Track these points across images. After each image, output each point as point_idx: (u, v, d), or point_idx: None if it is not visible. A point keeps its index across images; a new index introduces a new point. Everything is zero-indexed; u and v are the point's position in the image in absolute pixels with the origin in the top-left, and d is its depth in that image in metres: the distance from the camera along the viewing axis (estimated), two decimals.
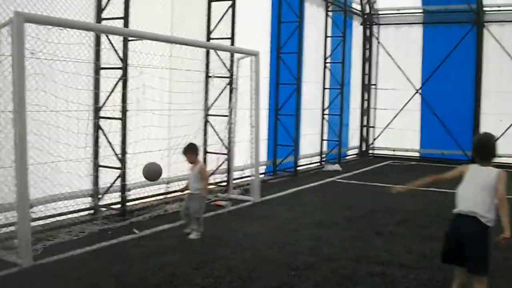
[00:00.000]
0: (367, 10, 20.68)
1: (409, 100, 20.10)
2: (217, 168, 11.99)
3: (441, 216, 10.18)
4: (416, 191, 12.58)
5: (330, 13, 17.43)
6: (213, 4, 11.91)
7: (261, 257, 7.29)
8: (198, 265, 6.84)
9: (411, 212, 10.59)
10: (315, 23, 16.74)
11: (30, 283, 6.16)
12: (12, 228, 7.40)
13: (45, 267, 6.70)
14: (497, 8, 19.01)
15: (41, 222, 8.22)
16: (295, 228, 9.03)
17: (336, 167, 16.70)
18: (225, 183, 12.00)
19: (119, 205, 9.44)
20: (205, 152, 11.72)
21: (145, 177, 8.16)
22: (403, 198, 11.95)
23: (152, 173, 8.09)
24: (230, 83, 11.87)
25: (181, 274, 6.49)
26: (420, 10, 20.20)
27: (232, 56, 11.87)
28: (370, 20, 20.83)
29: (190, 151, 8.40)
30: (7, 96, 7.00)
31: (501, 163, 18.12)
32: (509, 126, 18.51)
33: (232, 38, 12.04)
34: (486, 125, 18.96)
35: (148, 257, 7.16)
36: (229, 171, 11.92)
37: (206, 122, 11.74)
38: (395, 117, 20.34)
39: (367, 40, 20.88)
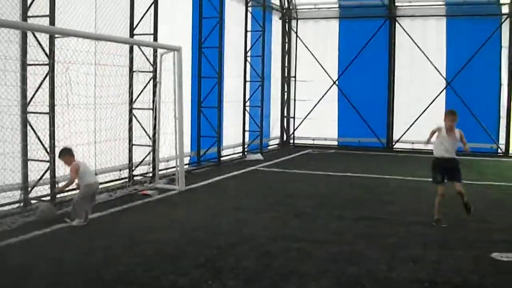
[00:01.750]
0: (286, 5, 21.48)
1: (327, 91, 21.07)
2: (142, 160, 12.45)
3: (351, 199, 11.10)
4: (332, 177, 13.59)
5: (250, 8, 18.06)
6: (136, 1, 12.31)
7: (188, 239, 7.90)
8: (129, 247, 7.39)
9: (327, 196, 11.43)
10: (236, 18, 17.35)
11: None
12: None
13: None
14: (408, 4, 20.25)
15: None
16: (218, 212, 9.67)
17: (258, 156, 17.42)
18: (151, 174, 12.49)
19: (48, 197, 9.78)
20: (131, 144, 12.14)
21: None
22: (320, 184, 12.87)
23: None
24: (154, 77, 12.35)
25: (113, 256, 7.02)
26: (337, 5, 21.25)
27: (155, 51, 12.34)
28: (289, 14, 21.66)
29: (63, 154, 8.94)
30: None
31: (412, 149, 19.51)
32: (420, 114, 19.72)
33: (155, 34, 12.51)
34: (399, 114, 20.20)
35: (81, 243, 7.62)
36: (154, 162, 12.41)
37: (131, 115, 12.17)
38: (314, 107, 21.27)
39: (286, 34, 21.71)
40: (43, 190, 9.87)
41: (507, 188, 12.85)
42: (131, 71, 12.14)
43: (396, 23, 20.17)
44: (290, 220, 9.23)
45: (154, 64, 12.38)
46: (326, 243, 7.79)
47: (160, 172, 12.64)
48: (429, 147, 19.11)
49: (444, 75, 19.67)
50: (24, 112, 9.42)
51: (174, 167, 12.58)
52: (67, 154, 8.94)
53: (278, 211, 9.89)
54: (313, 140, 21.49)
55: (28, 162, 9.57)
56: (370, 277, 6.35)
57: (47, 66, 9.54)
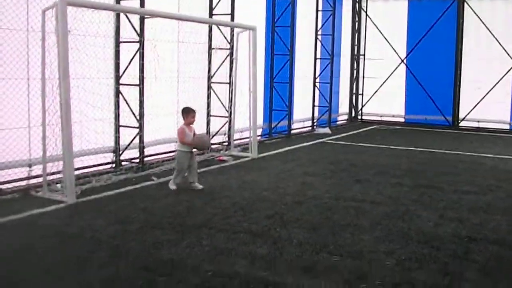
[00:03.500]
0: None
1: (395, 69, 21.68)
2: (220, 129, 13.63)
3: (411, 169, 11.92)
4: (395, 150, 14.37)
5: None
6: None
7: (258, 197, 9.01)
8: (208, 201, 8.58)
9: (387, 166, 12.26)
10: None
11: (76, 214, 7.81)
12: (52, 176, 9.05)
13: (85, 203, 8.38)
14: None
15: (76, 172, 9.83)
16: (286, 177, 10.73)
17: (326, 130, 18.36)
18: (227, 142, 13.68)
19: (138, 160, 11.08)
20: (209, 115, 13.33)
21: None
22: (384, 156, 13.72)
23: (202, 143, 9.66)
24: (231, 54, 13.47)
25: (196, 207, 8.23)
26: None
27: (232, 30, 13.44)
28: None
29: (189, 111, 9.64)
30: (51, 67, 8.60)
31: (482, 127, 19.95)
32: (486, 94, 20.14)
33: (232, 14, 13.62)
34: (465, 92, 20.66)
35: (167, 197, 8.88)
36: (230, 131, 13.58)
37: (210, 89, 13.34)
38: (382, 85, 21.93)
39: (356, 13, 22.37)
40: (133, 153, 11.15)
41: None
42: (210, 48, 13.28)
43: (465, 4, 20.50)
44: (352, 185, 10.19)
45: (231, 42, 13.48)
46: (381, 204, 8.73)
47: (235, 142, 13.80)
48: (496, 125, 19.71)
49: None
50: (118, 83, 10.71)
51: (248, 137, 13.71)
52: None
53: (341, 177, 10.87)
54: (381, 116, 22.19)
55: (120, 128, 10.88)
56: (417, 231, 7.28)
57: (138, 44, 10.78)
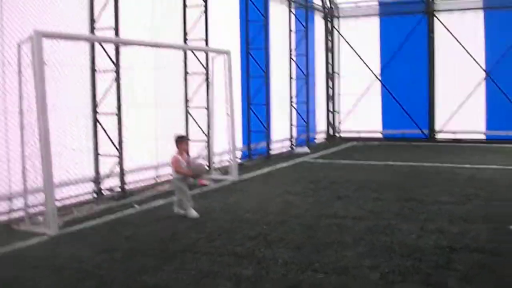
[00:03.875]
0: (328, 4, 22.45)
1: (370, 86, 21.96)
2: (199, 154, 13.68)
3: (390, 183, 12.07)
4: (374, 166, 14.54)
5: (293, 9, 19.12)
6: (188, 10, 13.52)
7: (241, 218, 9.06)
8: (192, 226, 8.62)
9: (367, 181, 12.40)
10: (280, 20, 18.45)
11: (60, 245, 7.78)
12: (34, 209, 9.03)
13: (68, 234, 8.34)
14: None
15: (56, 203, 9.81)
16: (268, 197, 10.81)
17: (305, 149, 18.51)
18: (207, 166, 13.72)
19: (119, 188, 11.08)
20: (188, 139, 13.37)
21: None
22: (363, 172, 13.86)
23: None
24: (207, 79, 13.58)
25: (179, 232, 8.26)
26: (376, 2, 22.07)
27: (207, 55, 13.57)
28: (331, 13, 22.62)
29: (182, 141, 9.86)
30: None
31: (458, 139, 20.23)
32: (461, 105, 20.45)
33: (206, 39, 13.74)
34: (440, 105, 20.97)
35: (151, 223, 8.90)
36: (209, 155, 13.64)
37: (187, 113, 13.41)
38: (358, 101, 22.18)
39: (329, 32, 22.68)
40: (114, 181, 11.15)
41: None
42: (185, 73, 13.37)
43: (434, 18, 20.90)
44: (333, 202, 10.28)
45: (206, 67, 13.59)
46: (363, 219, 8.83)
47: (215, 165, 13.86)
48: (471, 136, 20.02)
49: (483, 66, 20.30)
50: (95, 112, 10.74)
51: (227, 160, 13.77)
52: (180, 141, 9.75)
53: (322, 195, 10.97)
54: (358, 133, 22.40)
55: (99, 157, 10.88)
56: (400, 244, 7.37)
57: (114, 72, 10.84)
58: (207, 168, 10.79)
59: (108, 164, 10.97)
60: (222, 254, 7.11)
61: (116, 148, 10.93)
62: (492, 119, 20.33)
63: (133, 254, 7.21)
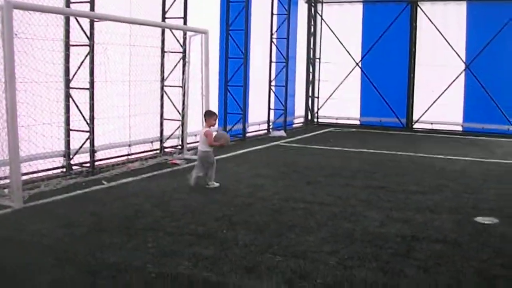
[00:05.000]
0: None
1: (350, 73, 21.96)
2: (172, 133, 13.60)
3: (362, 171, 12.09)
4: (349, 152, 14.58)
5: None
6: None
7: (209, 199, 9.05)
8: (158, 204, 8.59)
9: (339, 168, 12.43)
10: (262, 2, 18.33)
11: (23, 219, 7.72)
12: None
13: (33, 208, 8.29)
14: None
15: (24, 177, 9.71)
16: (239, 179, 10.80)
17: (282, 133, 18.50)
18: (180, 146, 13.67)
19: (88, 164, 11.00)
20: (162, 118, 13.30)
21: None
22: (337, 158, 13.89)
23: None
24: (183, 58, 13.48)
25: (145, 210, 8.23)
26: None
27: (184, 33, 13.46)
28: None
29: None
30: None
31: (435, 129, 20.32)
32: (439, 96, 20.54)
33: (184, 18, 13.62)
34: (419, 95, 21.03)
35: (116, 200, 8.86)
36: (183, 134, 13.57)
37: (163, 92, 13.31)
38: (337, 88, 22.17)
39: (312, 17, 22.59)
40: (84, 157, 11.06)
41: (510, 165, 13.66)
42: (162, 51, 13.26)
43: (418, 7, 20.90)
44: (302, 186, 10.30)
45: (184, 45, 13.49)
46: (330, 205, 8.86)
47: (189, 145, 13.81)
48: (448, 127, 20.15)
49: (464, 58, 20.35)
50: (68, 87, 10.61)
51: None
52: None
53: (292, 179, 10.97)
54: (336, 119, 22.40)
55: (70, 132, 10.78)
56: (362, 231, 7.42)
57: (88, 47, 10.72)
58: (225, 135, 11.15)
59: (79, 140, 10.88)
60: (184, 233, 7.11)
61: (87, 123, 10.83)
62: (469, 112, 20.41)
63: (96, 231, 7.18)
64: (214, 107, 15.09)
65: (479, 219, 8.30)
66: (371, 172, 11.98)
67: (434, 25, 20.51)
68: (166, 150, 13.38)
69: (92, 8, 10.74)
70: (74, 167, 10.90)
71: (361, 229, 7.53)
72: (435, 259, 6.40)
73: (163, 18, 13.32)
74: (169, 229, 7.27)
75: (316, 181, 10.80)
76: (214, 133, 10.33)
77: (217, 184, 10.01)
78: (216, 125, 15.41)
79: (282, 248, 6.60)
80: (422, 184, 10.79)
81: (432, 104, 20.77)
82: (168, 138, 13.55)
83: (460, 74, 20.36)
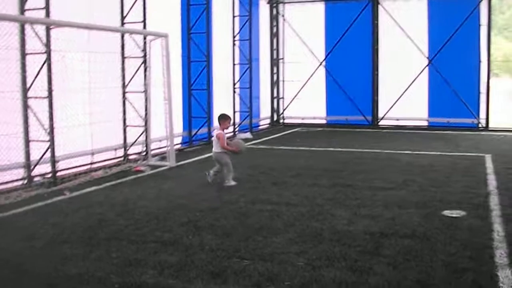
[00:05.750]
0: None
1: (314, 72, 21.95)
2: (136, 140, 13.36)
3: (329, 169, 12.04)
4: (315, 152, 14.50)
5: None
6: None
7: (174, 205, 8.87)
8: (121, 213, 8.37)
9: (306, 167, 12.35)
10: (224, 4, 18.19)
11: None
12: None
13: None
14: None
15: None
16: (204, 183, 10.62)
17: (248, 135, 18.40)
18: (144, 152, 13.44)
19: (50, 174, 10.73)
20: (125, 125, 13.07)
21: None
22: (303, 158, 13.81)
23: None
24: (144, 63, 13.26)
25: (108, 219, 8.01)
26: None
27: (145, 38, 13.25)
28: None
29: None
30: None
31: (401, 125, 20.43)
32: (404, 92, 20.64)
33: (144, 22, 13.39)
34: (384, 92, 21.11)
35: (79, 210, 8.61)
36: (147, 140, 13.35)
37: (124, 98, 13.08)
38: (302, 88, 22.16)
39: (274, 17, 22.54)
40: (46, 167, 10.78)
41: (476, 158, 13.75)
42: (123, 57, 13.03)
43: (379, 5, 20.99)
44: (269, 188, 10.19)
45: (144, 50, 13.28)
46: (297, 205, 8.76)
47: (154, 151, 13.60)
48: (414, 122, 20.29)
49: (426, 53, 20.53)
50: (25, 96, 10.34)
51: (166, 146, 13.50)
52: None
53: (259, 181, 10.85)
54: (302, 119, 22.40)
55: (30, 142, 10.50)
56: (330, 230, 7.32)
57: (45, 55, 10.45)
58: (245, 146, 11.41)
59: (39, 150, 10.60)
60: (149, 241, 6.92)
61: (48, 133, 10.56)
62: (434, 107, 20.62)
63: (57, 242, 6.95)
64: (178, 111, 14.97)
65: (447, 212, 8.30)
66: (337, 171, 11.93)
67: (396, 21, 20.63)
68: (130, 157, 13.15)
69: (47, 15, 10.49)
70: (35, 179, 10.62)
71: (328, 228, 7.44)
72: (404, 255, 6.34)
73: (122, 23, 13.10)
74: (133, 238, 7.09)
75: (283, 182, 10.69)
76: (235, 140, 11.35)
77: (233, 183, 10.36)
78: (180, 129, 15.36)
79: (249, 251, 6.46)
80: (389, 180, 10.77)
81: (397, 101, 20.89)
82: (131, 145, 13.31)
83: (423, 70, 20.50)
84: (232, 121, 11.37)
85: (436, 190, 9.90)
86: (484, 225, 7.65)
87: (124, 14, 13.11)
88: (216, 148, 10.57)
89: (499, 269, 5.93)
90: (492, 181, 10.74)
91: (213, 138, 10.86)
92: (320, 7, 22.00)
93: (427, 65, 20.53)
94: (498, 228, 7.49)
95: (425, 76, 20.67)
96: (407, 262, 6.11)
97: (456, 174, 11.53)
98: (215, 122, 17.18)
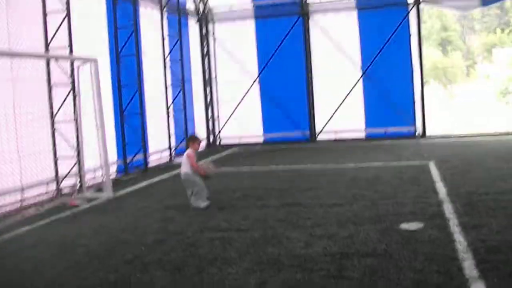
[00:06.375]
0: (201, 8, 21.87)
1: (249, 90, 21.58)
2: (68, 172, 12.57)
3: (275, 189, 11.60)
4: (257, 172, 14.06)
5: (165, 14, 18.33)
6: (49, 15, 12.42)
7: (116, 240, 8.21)
8: (59, 254, 7.63)
9: (251, 188, 11.88)
10: (152, 25, 17.60)
11: None
12: None
13: None
14: (319, 0, 20.97)
15: None
16: (146, 214, 9.99)
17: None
18: (78, 185, 12.66)
19: None
20: (56, 157, 12.25)
21: None
22: (246, 179, 13.33)
23: None
24: (73, 90, 12.53)
25: (45, 263, 7.26)
26: (251, 5, 21.70)
27: (72, 63, 12.52)
28: (205, 18, 22.05)
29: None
30: None
31: (339, 139, 20.29)
32: (340, 105, 20.53)
33: (70, 47, 12.67)
34: (320, 106, 20.92)
35: (12, 255, 7.81)
36: (80, 172, 12.58)
37: (53, 128, 12.29)
38: (237, 106, 21.73)
39: (204, 37, 22.10)
40: None
41: (419, 166, 13.63)
42: (49, 84, 12.26)
43: (309, 19, 20.88)
44: (215, 213, 9.64)
45: (72, 76, 12.55)
46: (248, 230, 8.25)
47: (88, 182, 12.83)
48: (352, 134, 20.21)
49: (360, 65, 20.51)
50: None
51: (101, 176, 12.76)
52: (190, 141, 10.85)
53: None
54: (240, 138, 21.92)
55: None
56: (288, 255, 6.85)
57: None
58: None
59: None
60: (92, 285, 6.27)
61: None
62: (370, 117, 20.57)
63: None
64: (111, 139, 14.25)
65: (404, 225, 7.99)
66: (284, 189, 11.51)
67: (327, 35, 20.56)
68: (63, 191, 12.33)
69: None
70: None
71: (286, 252, 6.97)
72: (370, 276, 5.96)
73: (46, 48, 12.33)
74: (75, 282, 6.41)
75: (230, 206, 10.18)
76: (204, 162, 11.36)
77: (205, 204, 10.08)
78: (115, 157, 14.62)
79: (205, 286, 5.92)
80: (338, 196, 10.44)
81: (333, 114, 20.75)
82: (64, 178, 12.49)
83: (358, 81, 20.45)
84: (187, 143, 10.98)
85: (387, 202, 9.61)
86: (444, 236, 7.37)
87: (48, 39, 12.34)
88: (185, 169, 10.30)
89: (471, 283, 5.61)
90: (441, 188, 10.57)
91: (181, 159, 10.66)
92: (250, 24, 21.71)
93: (361, 76, 20.49)
94: (459, 238, 7.21)
95: (360, 87, 20.62)
96: (375, 284, 5.72)
97: (404, 184, 11.32)
98: (151, 148, 16.73)
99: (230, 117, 21.98)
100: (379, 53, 20.02)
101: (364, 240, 7.33)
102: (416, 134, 20.28)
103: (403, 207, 9.19)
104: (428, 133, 20.23)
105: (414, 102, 20.23)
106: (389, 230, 7.80)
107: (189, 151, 10.50)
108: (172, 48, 18.54)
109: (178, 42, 18.67)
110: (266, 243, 7.45)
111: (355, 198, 10.16)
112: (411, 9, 20.02)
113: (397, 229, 7.81)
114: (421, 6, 20.24)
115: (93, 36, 14.32)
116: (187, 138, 10.65)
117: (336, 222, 8.42)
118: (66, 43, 12.63)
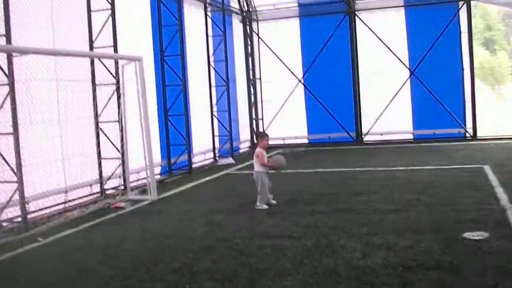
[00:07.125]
0: (246, 7, 21.53)
1: (293, 90, 21.14)
2: (113, 173, 12.34)
3: (323, 193, 11.14)
4: (303, 174, 13.62)
5: (209, 13, 18.04)
6: (93, 13, 12.19)
7: (162, 246, 7.87)
8: (103, 260, 7.32)
9: (298, 192, 11.44)
10: (196, 24, 17.32)
11: None
12: None
13: None
14: None
15: None
16: (191, 217, 9.65)
17: (229, 160, 17.44)
18: (122, 186, 12.41)
19: (20, 218, 9.64)
20: (100, 158, 12.02)
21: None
22: (292, 182, 12.89)
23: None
24: (117, 90, 12.28)
25: (88, 269, 6.96)
26: (295, 4, 21.29)
27: (116, 63, 12.27)
28: (249, 17, 21.70)
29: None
30: None
31: (386, 140, 19.70)
32: (387, 105, 19.94)
33: (115, 45, 12.42)
34: (367, 106, 20.38)
35: (55, 259, 7.55)
36: (124, 174, 12.33)
37: (98, 129, 12.06)
38: (281, 107, 21.32)
39: (248, 36, 21.74)
40: (14, 211, 9.70)
41: (474, 170, 13.01)
42: (94, 84, 12.03)
43: (356, 17, 20.35)
44: (264, 218, 9.24)
45: (117, 76, 12.31)
46: (300, 237, 7.82)
47: (132, 184, 12.58)
48: (399, 136, 19.59)
49: (407, 64, 19.90)
50: None
51: (145, 177, 12.50)
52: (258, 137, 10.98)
53: (251, 211, 9.90)
54: (283, 140, 21.48)
55: None
56: (345, 266, 6.40)
57: (7, 86, 9.43)
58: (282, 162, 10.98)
59: (6, 192, 9.52)
60: None
61: (15, 173, 9.50)
62: (418, 118, 19.94)
63: None
64: (155, 140, 13.98)
65: (468, 234, 7.45)
66: (333, 194, 11.05)
67: (374, 33, 20.00)
68: (107, 192, 12.09)
69: (8, 41, 9.48)
70: (3, 224, 9.54)
71: (343, 263, 6.52)
72: None
73: (91, 47, 12.10)
74: None
75: (278, 211, 9.76)
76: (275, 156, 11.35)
77: (265, 207, 10.02)
78: (159, 158, 14.35)
79: None
80: (392, 201, 9.93)
81: (381, 115, 20.18)
82: (108, 179, 12.25)
83: (405, 81, 19.84)
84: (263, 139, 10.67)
85: (445, 209, 9.08)
86: None
87: (93, 37, 12.11)
88: (256, 167, 10.33)
89: None
90: (502, 195, 9.97)
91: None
92: (295, 22, 21.29)
93: (409, 76, 19.88)
94: None
95: (407, 87, 20.02)
96: None
97: (460, 189, 10.75)
98: (195, 148, 16.41)
99: (274, 118, 21.56)
100: (428, 52, 19.35)
101: (427, 251, 6.82)
102: (466, 136, 19.55)
103: (464, 214, 8.66)
104: (479, 135, 19.46)
105: (464, 103, 19.52)
106: (452, 239, 7.29)
107: (257, 150, 10.47)
108: (216, 48, 18.23)
109: (223, 41, 18.33)
110: (320, 253, 7.00)
111: (410, 203, 9.64)
112: (462, 6, 19.28)
113: (461, 239, 7.29)
114: (473, 3, 19.46)
115: (137, 35, 14.07)
116: (255, 134, 10.46)
117: (393, 230, 7.92)
118: (111, 42, 12.38)
